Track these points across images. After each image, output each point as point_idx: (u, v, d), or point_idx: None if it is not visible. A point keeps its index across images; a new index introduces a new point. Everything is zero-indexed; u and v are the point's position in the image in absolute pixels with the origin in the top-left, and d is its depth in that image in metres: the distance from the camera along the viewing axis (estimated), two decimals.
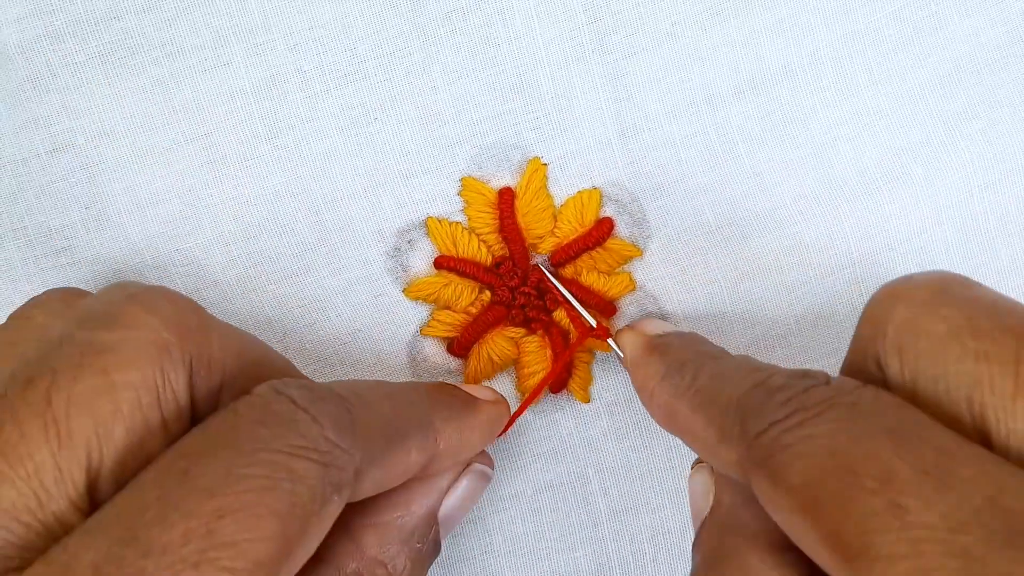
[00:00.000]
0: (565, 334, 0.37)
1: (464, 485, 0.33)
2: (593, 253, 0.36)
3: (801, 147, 0.37)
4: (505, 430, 0.35)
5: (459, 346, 0.36)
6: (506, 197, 0.36)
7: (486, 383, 0.37)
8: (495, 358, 0.37)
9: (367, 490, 0.28)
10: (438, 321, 0.37)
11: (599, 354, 0.37)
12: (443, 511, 0.32)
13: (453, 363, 0.37)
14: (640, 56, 0.36)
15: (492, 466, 0.35)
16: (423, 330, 0.37)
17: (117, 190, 0.35)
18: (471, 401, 0.33)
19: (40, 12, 0.34)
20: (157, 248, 0.36)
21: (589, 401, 0.37)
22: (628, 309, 0.37)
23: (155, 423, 0.25)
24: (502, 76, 0.36)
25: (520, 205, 0.36)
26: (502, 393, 0.36)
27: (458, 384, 0.35)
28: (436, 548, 0.32)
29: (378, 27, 0.35)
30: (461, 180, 0.36)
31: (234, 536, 0.23)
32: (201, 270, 0.36)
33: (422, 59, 0.35)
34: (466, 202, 0.36)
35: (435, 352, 0.37)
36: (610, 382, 0.37)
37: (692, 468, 0.31)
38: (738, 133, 0.36)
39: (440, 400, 0.32)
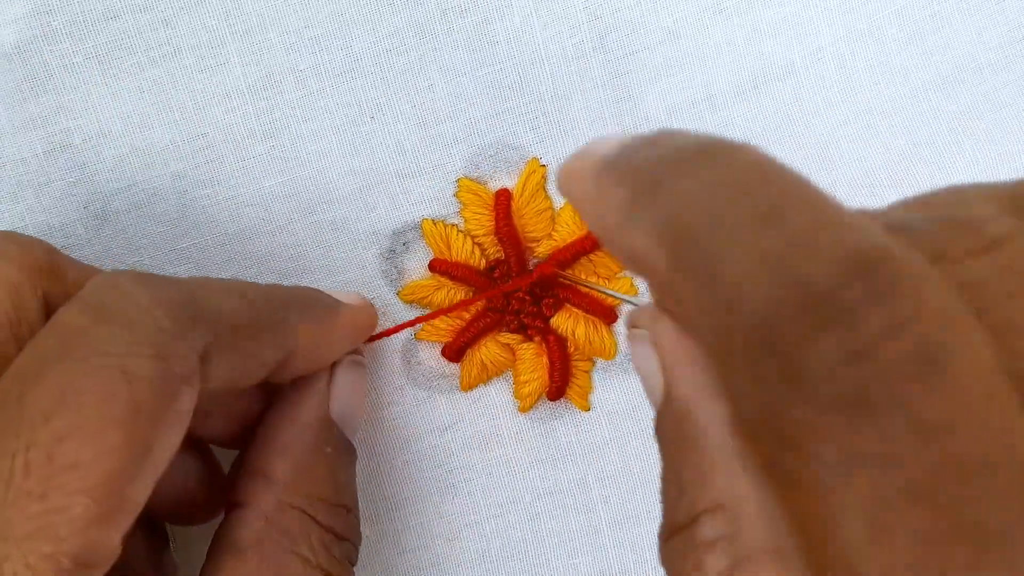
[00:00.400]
0: (562, 341, 0.36)
1: (341, 380, 0.32)
2: (592, 257, 0.36)
3: (804, 147, 0.36)
4: (377, 337, 0.35)
5: (450, 351, 0.36)
6: (502, 199, 0.35)
7: (480, 387, 0.37)
8: (488, 364, 0.36)
9: (220, 378, 0.27)
10: (432, 325, 0.36)
11: (599, 362, 0.37)
12: (335, 411, 0.32)
13: (448, 367, 0.37)
14: (641, 55, 0.35)
15: (362, 354, 0.35)
16: (418, 335, 0.36)
17: (115, 189, 0.35)
18: (332, 303, 0.33)
19: (37, 12, 0.34)
20: (155, 247, 0.36)
21: (589, 409, 0.37)
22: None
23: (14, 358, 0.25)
24: (500, 74, 0.35)
25: (517, 207, 0.36)
26: (499, 396, 0.36)
27: (333, 299, 0.34)
28: (349, 448, 0.32)
29: (374, 25, 0.35)
30: (457, 181, 0.36)
31: (77, 457, 0.23)
32: (198, 269, 0.36)
33: (419, 57, 0.35)
34: (462, 203, 0.36)
35: (429, 355, 0.37)
36: (611, 390, 0.37)
37: (630, 328, 0.25)
38: (740, 133, 0.36)
39: (298, 299, 0.31)
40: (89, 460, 0.23)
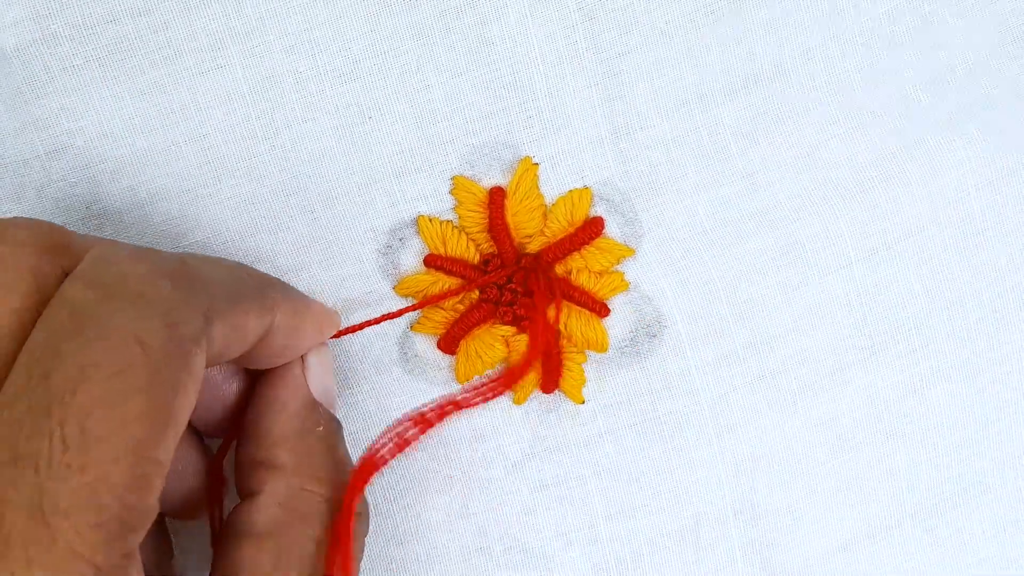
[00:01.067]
0: (555, 333, 0.37)
1: (313, 362, 0.33)
2: (584, 252, 0.36)
3: (794, 146, 0.36)
4: (345, 332, 0.35)
5: (445, 343, 0.37)
6: (496, 197, 0.36)
7: (477, 379, 0.37)
8: (482, 355, 0.37)
9: (219, 344, 0.28)
10: (427, 318, 0.37)
11: (592, 355, 0.37)
12: (316, 392, 0.33)
13: (444, 359, 0.37)
14: (633, 55, 0.36)
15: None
16: (413, 327, 0.37)
17: (116, 190, 0.36)
18: (303, 294, 0.34)
19: (37, 16, 0.34)
20: (157, 247, 0.36)
21: (583, 402, 0.37)
22: (622, 310, 0.37)
23: None
24: (495, 74, 0.36)
25: (510, 205, 0.36)
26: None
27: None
28: (337, 422, 0.33)
29: (372, 26, 0.35)
30: (452, 179, 0.36)
31: (107, 428, 0.24)
32: None
33: (416, 57, 0.35)
34: (457, 201, 0.36)
35: (426, 348, 0.37)
36: (605, 383, 0.37)
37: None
38: (730, 132, 0.36)
39: (274, 280, 0.32)
40: (118, 430, 0.24)
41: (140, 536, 0.25)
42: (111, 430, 0.24)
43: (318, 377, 0.33)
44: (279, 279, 0.33)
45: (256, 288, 0.30)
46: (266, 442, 0.31)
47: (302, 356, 0.33)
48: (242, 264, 0.32)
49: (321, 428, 0.32)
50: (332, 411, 0.33)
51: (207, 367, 0.28)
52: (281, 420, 0.32)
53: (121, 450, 0.24)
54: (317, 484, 0.31)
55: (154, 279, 0.26)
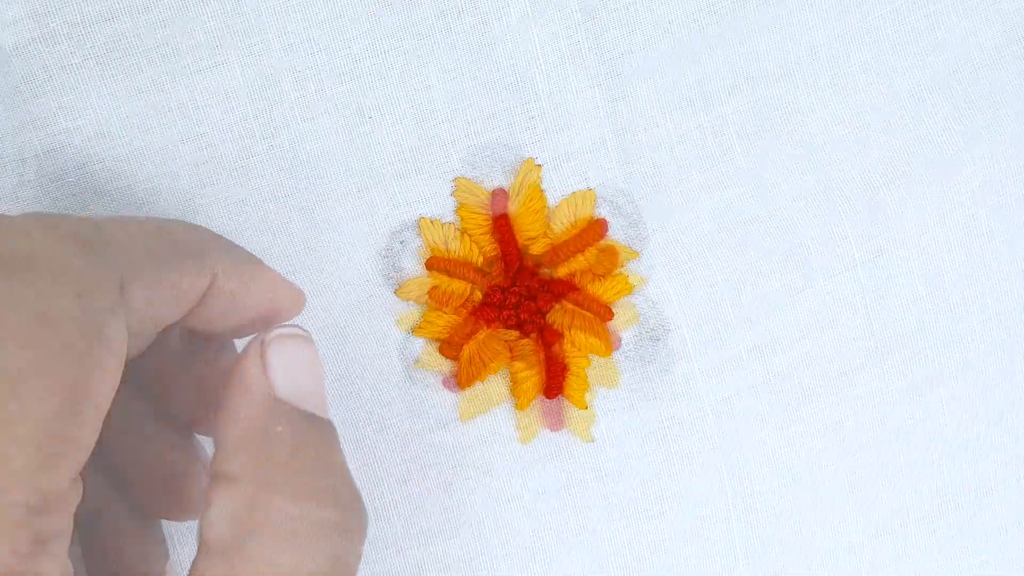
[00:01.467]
0: (559, 337, 0.37)
1: (278, 359, 0.28)
2: (588, 255, 0.36)
3: (798, 146, 0.36)
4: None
5: (448, 347, 0.36)
6: (499, 198, 0.36)
7: (479, 384, 0.37)
8: (486, 360, 0.37)
9: (138, 310, 0.26)
10: (429, 322, 0.36)
11: (596, 359, 0.37)
12: (282, 391, 0.28)
13: (446, 364, 0.37)
14: (636, 54, 0.36)
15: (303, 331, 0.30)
16: (415, 331, 0.37)
17: (114, 189, 0.35)
18: (257, 259, 0.31)
19: (35, 14, 0.34)
20: None
21: (587, 407, 0.37)
22: (626, 313, 0.37)
23: None
24: (497, 74, 0.35)
25: (513, 207, 0.36)
26: (496, 393, 0.37)
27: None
28: (313, 421, 0.28)
29: (372, 25, 0.35)
30: (454, 180, 0.36)
31: (10, 409, 0.23)
32: None
33: (417, 57, 0.35)
34: (459, 202, 0.36)
35: (427, 353, 0.37)
36: (609, 388, 0.37)
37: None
38: (734, 133, 0.36)
39: (221, 239, 0.30)
40: (22, 410, 0.23)
41: (54, 520, 0.24)
42: (14, 411, 0.23)
43: (285, 373, 0.28)
44: (227, 239, 0.31)
45: (192, 246, 0.28)
46: (220, 450, 0.28)
47: (263, 351, 0.28)
48: (181, 221, 0.30)
49: (280, 430, 0.27)
50: (316, 410, 0.29)
51: (142, 333, 0.27)
52: (232, 424, 0.28)
53: (24, 431, 0.23)
54: (274, 494, 0.26)
55: (63, 251, 0.25)
